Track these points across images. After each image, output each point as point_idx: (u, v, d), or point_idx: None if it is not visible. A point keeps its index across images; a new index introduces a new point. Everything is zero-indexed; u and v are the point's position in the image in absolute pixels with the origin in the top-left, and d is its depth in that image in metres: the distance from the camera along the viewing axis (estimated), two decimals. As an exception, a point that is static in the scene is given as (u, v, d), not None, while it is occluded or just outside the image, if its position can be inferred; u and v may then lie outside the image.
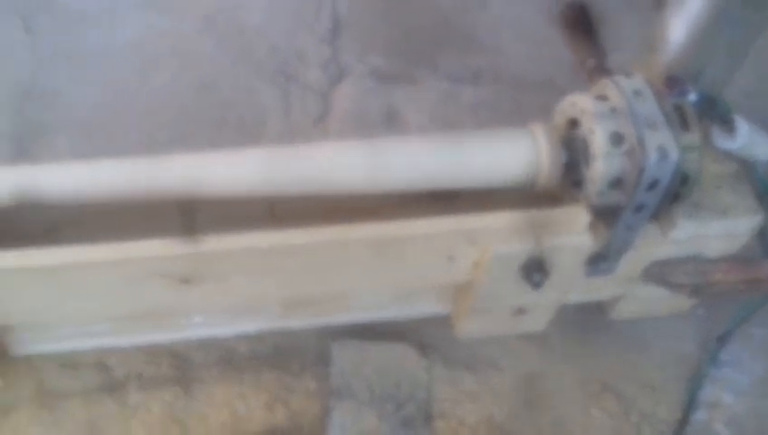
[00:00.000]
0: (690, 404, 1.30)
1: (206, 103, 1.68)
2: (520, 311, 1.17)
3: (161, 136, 1.61)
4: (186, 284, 0.99)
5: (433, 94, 1.75)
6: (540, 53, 1.88)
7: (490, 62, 1.86)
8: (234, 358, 1.29)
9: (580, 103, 1.06)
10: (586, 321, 1.38)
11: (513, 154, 1.04)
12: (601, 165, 1.00)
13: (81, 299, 0.99)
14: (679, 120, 1.01)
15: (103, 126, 1.61)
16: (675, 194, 1.04)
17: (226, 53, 1.77)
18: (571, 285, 1.14)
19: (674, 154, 0.96)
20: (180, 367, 1.27)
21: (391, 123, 1.70)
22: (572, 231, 1.03)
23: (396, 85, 1.77)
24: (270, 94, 1.72)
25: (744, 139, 1.10)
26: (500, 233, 1.02)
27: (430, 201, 1.17)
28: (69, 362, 1.26)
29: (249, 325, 1.22)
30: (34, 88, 1.67)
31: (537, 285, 1.06)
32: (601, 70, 1.21)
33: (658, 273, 1.18)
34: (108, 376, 1.26)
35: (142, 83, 1.68)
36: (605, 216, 1.07)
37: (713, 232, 1.11)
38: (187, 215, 1.18)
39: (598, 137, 1.00)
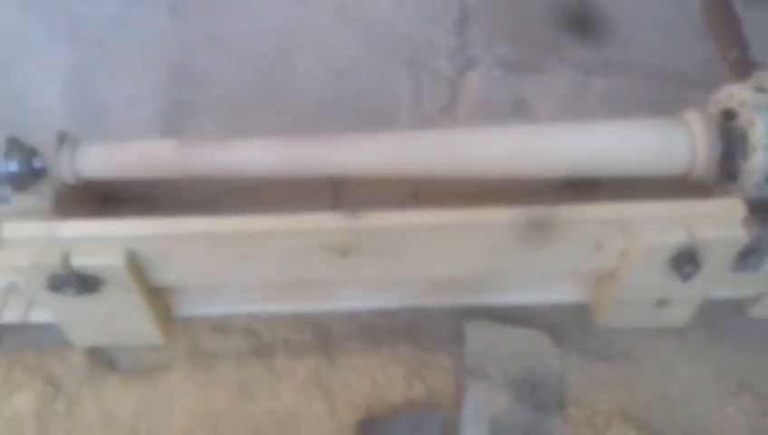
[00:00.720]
0: (834, 409, 1.25)
1: (342, 89, 1.73)
2: (662, 303, 1.17)
3: (301, 118, 1.68)
4: (344, 256, 1.04)
5: (562, 84, 1.75)
6: (672, 44, 1.84)
7: (620, 51, 1.84)
8: (372, 331, 1.34)
9: (738, 95, 1.04)
10: (724, 318, 1.35)
11: (669, 144, 1.04)
12: (761, 157, 0.99)
13: (247, 265, 1.06)
14: None
15: (246, 107, 1.70)
16: (838, 189, 1.01)
17: (359, 41, 1.83)
18: (718, 279, 1.12)
19: (842, 148, 0.94)
20: (322, 336, 1.33)
21: (519, 112, 1.71)
22: (727, 224, 1.02)
23: (523, 74, 1.77)
24: (401, 82, 1.76)
25: None
26: (652, 222, 1.01)
27: (565, 189, 1.19)
28: (221, 325, 1.34)
29: (388, 301, 1.26)
30: (182, 70, 1.78)
31: (687, 278, 1.05)
32: (745, 62, 1.19)
33: (811, 271, 1.15)
34: (256, 341, 1.33)
35: (283, 68, 1.76)
36: (758, 209, 1.05)
37: None
38: (337, 194, 1.24)
39: (758, 128, 0.99)
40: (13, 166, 0.99)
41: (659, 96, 1.71)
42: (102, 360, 1.31)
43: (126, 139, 1.59)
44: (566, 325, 1.33)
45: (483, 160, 1.09)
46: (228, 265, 1.05)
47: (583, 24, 1.90)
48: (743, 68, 1.18)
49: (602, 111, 1.68)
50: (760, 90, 1.03)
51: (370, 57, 1.80)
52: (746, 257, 1.12)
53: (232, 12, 1.88)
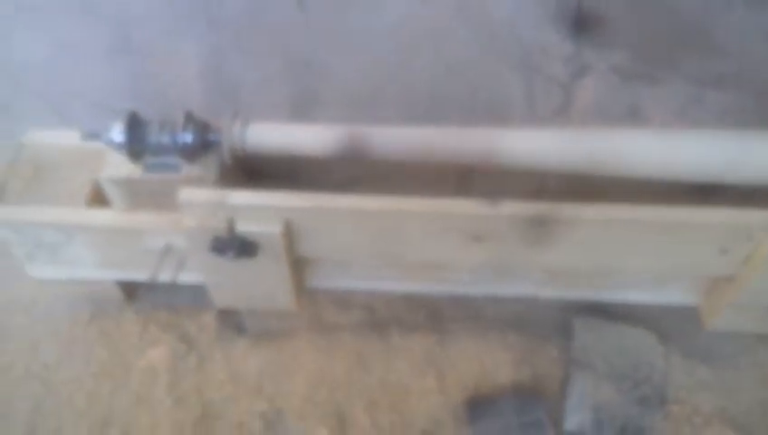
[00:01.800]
0: None
1: (457, 86, 1.79)
2: (777, 311, 1.19)
3: (417, 112, 1.75)
4: (476, 241, 1.11)
5: (676, 95, 1.76)
6: (786, 62, 1.83)
7: (733, 66, 1.84)
8: (481, 318, 1.41)
9: None
10: (831, 333, 1.36)
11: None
12: None
13: (386, 243, 1.14)
14: None
15: (368, 98, 1.78)
16: None
17: (476, 41, 1.88)
18: (839, 292, 1.15)
19: None
20: (434, 318, 1.41)
21: (633, 120, 1.73)
22: None
23: (638, 84, 1.80)
24: (515, 83, 1.81)
25: None
26: (779, 230, 1.05)
27: (688, 193, 1.22)
28: (341, 300, 1.44)
29: (505, 289, 1.32)
30: (308, 61, 1.87)
31: (809, 287, 1.08)
32: None
33: None
34: (373, 317, 1.42)
35: (403, 63, 1.83)
36: None
37: None
38: (463, 182, 1.31)
39: None
40: (188, 137, 1.10)
41: (772, 111, 1.71)
42: (231, 323, 1.42)
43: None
44: (672, 327, 1.37)
45: (624, 161, 1.13)
46: (368, 242, 1.13)
47: (697, 36, 1.91)
48: None
49: (715, 123, 1.70)
50: None
51: (486, 57, 1.86)
52: None
53: (356, 7, 1.95)
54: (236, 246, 1.08)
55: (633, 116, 1.71)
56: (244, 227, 1.07)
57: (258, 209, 1.06)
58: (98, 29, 1.92)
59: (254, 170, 1.27)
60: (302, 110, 1.78)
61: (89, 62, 1.86)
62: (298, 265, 1.23)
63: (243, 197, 1.06)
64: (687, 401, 1.29)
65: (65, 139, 1.27)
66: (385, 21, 1.94)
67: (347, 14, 1.96)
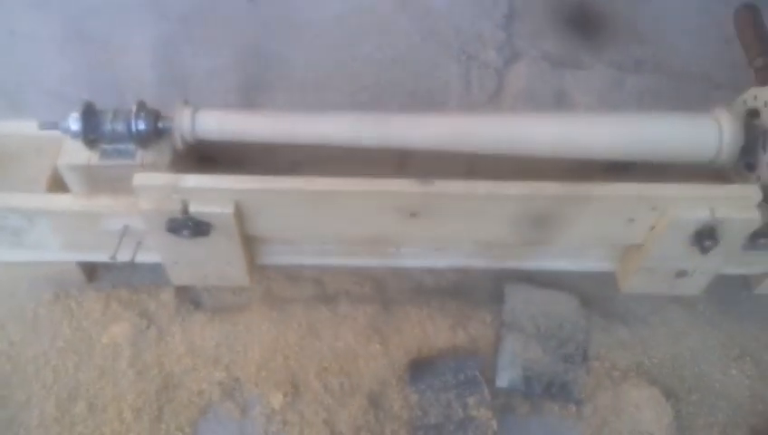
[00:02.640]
0: (824, 376, 1.38)
1: (399, 74, 1.87)
2: (681, 274, 1.29)
3: (362, 98, 1.81)
4: (412, 217, 1.18)
5: (599, 79, 1.87)
6: (699, 49, 1.95)
7: (652, 52, 1.95)
8: (421, 288, 1.49)
9: (762, 96, 1.17)
10: (731, 292, 1.48)
11: (700, 134, 1.16)
12: (778, 152, 1.11)
13: (330, 221, 1.20)
14: None
15: (315, 86, 1.84)
16: (842, 183, 1.13)
17: (417, 31, 1.95)
18: (732, 255, 1.25)
19: None
20: (379, 289, 1.48)
21: (560, 103, 1.83)
22: (744, 207, 1.14)
23: (565, 69, 1.90)
24: (452, 70, 1.89)
25: None
26: (680, 201, 1.14)
27: (603, 171, 1.32)
28: (293, 275, 1.50)
29: (441, 261, 1.40)
30: (258, 50, 1.91)
31: (706, 251, 1.18)
32: (769, 69, 1.30)
33: (813, 253, 1.28)
34: (322, 290, 1.48)
35: (348, 53, 1.89)
36: (772, 197, 1.18)
37: None
38: (401, 164, 1.38)
39: (777, 127, 1.11)
40: (141, 125, 1.14)
41: (685, 94, 1.83)
42: (189, 299, 1.47)
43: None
44: (593, 290, 1.47)
45: (536, 143, 1.22)
46: (313, 220, 1.20)
47: (620, 24, 2.01)
48: (766, 74, 1.30)
49: (634, 106, 1.81)
50: (781, 93, 1.15)
51: (426, 46, 1.93)
52: (758, 238, 1.24)
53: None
54: (190, 226, 1.13)
55: (560, 99, 1.81)
56: (197, 209, 1.12)
57: (210, 191, 1.11)
58: (51, 20, 1.93)
59: (206, 156, 1.31)
60: (251, 97, 1.83)
61: (43, 52, 1.87)
62: (249, 243, 1.28)
63: (195, 180, 1.11)
64: (607, 358, 1.40)
65: (24, 128, 1.29)
66: (331, 11, 2.00)
67: (295, 5, 2.01)
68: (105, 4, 1.96)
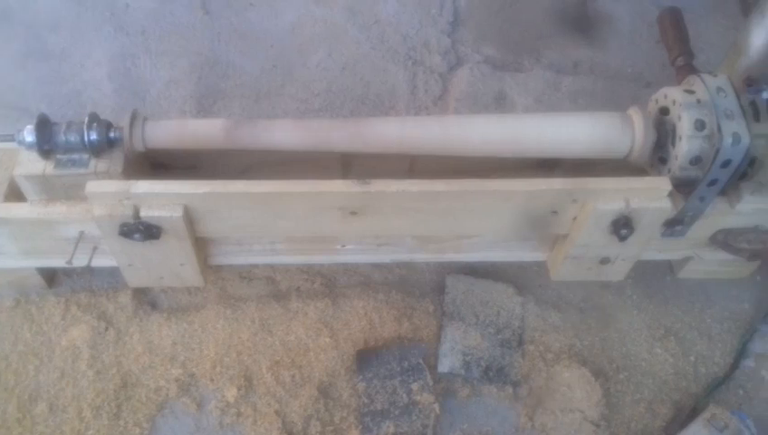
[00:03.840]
0: (741, 352, 1.48)
1: (349, 80, 1.93)
2: (605, 261, 1.38)
3: (314, 104, 1.87)
4: (353, 215, 1.25)
5: (537, 81, 1.95)
6: (632, 50, 2.05)
7: (588, 55, 2.04)
8: (369, 282, 1.55)
9: (671, 95, 1.25)
10: (656, 277, 1.57)
11: (615, 132, 1.24)
12: (685, 145, 1.19)
13: (276, 221, 1.26)
14: (753, 113, 1.19)
15: (268, 93, 1.89)
16: (743, 173, 1.22)
17: (366, 39, 2.02)
18: (650, 242, 1.34)
19: (746, 140, 1.15)
20: (329, 285, 1.55)
21: (500, 105, 1.91)
22: (657, 197, 1.23)
23: (505, 72, 1.98)
24: (400, 75, 1.96)
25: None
26: (598, 194, 1.22)
27: (535, 167, 1.40)
28: (246, 274, 1.55)
29: (385, 256, 1.47)
30: (213, 60, 1.96)
31: (623, 239, 1.26)
32: (689, 68, 1.39)
33: (723, 239, 1.37)
34: (274, 287, 1.54)
35: (300, 61, 1.95)
36: (683, 187, 1.26)
37: (774, 207, 1.28)
38: (345, 166, 1.44)
39: (684, 122, 1.19)
40: (93, 135, 1.19)
41: (617, 94, 1.92)
42: (146, 301, 1.52)
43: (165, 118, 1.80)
44: (528, 280, 1.55)
45: (465, 142, 1.29)
46: (260, 221, 1.25)
47: (557, 28, 2.10)
48: (687, 73, 1.39)
49: (570, 107, 1.89)
50: (689, 92, 1.24)
51: (375, 53, 2.00)
52: (673, 226, 1.33)
53: (256, 9, 2.06)
54: (142, 230, 1.18)
55: (500, 101, 1.89)
56: (148, 213, 1.18)
57: (159, 196, 1.17)
58: (12, 35, 1.96)
59: (160, 162, 1.36)
60: (207, 106, 1.88)
61: (3, 67, 1.90)
62: (201, 245, 1.34)
63: (144, 186, 1.16)
64: (541, 342, 1.48)
65: (-19, 140, 1.33)
66: (283, 21, 2.06)
67: (248, 16, 2.07)
68: (64, 18, 2.00)
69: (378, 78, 1.94)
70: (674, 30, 1.48)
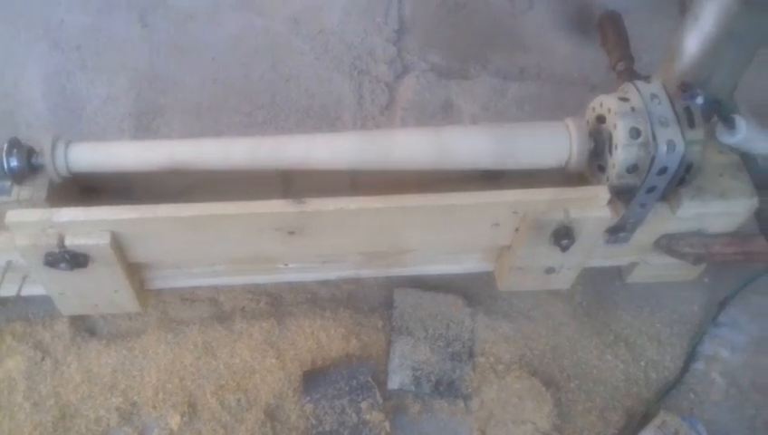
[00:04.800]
0: (691, 356, 1.48)
1: (293, 92, 1.90)
2: (550, 271, 1.38)
3: (258, 118, 1.84)
4: (291, 235, 1.22)
5: (484, 88, 1.95)
6: (579, 54, 2.05)
7: (534, 60, 2.05)
8: (316, 299, 1.53)
9: (606, 103, 1.25)
10: (605, 283, 1.58)
11: (551, 143, 1.24)
12: (621, 153, 1.19)
13: (210, 244, 1.23)
14: (687, 118, 1.19)
15: (210, 108, 1.86)
16: (681, 179, 1.23)
17: (310, 49, 2.00)
18: (593, 250, 1.34)
19: (680, 147, 1.15)
20: (274, 304, 1.52)
21: (447, 113, 1.90)
22: (595, 206, 1.23)
23: (452, 80, 1.97)
24: (345, 85, 1.94)
25: (743, 134, 1.27)
26: (537, 205, 1.22)
27: (480, 178, 1.39)
28: (188, 296, 1.51)
29: (330, 274, 1.45)
30: (151, 74, 1.92)
31: (564, 249, 1.26)
32: (629, 72, 1.40)
33: (667, 244, 1.37)
34: (218, 309, 1.51)
35: (242, 73, 1.92)
36: (623, 195, 1.26)
37: (713, 211, 1.29)
38: (287, 183, 1.42)
39: (619, 131, 1.19)
40: (13, 162, 1.14)
41: (564, 99, 1.93)
42: (84, 327, 1.47)
43: (102, 137, 1.76)
44: (477, 291, 1.54)
45: (407, 157, 1.27)
46: (194, 245, 1.22)
47: (503, 35, 2.10)
48: (627, 78, 1.39)
49: (516, 113, 1.89)
50: (623, 99, 1.24)
51: (319, 63, 1.98)
52: (615, 233, 1.33)
53: (196, 21, 2.02)
54: (68, 259, 1.14)
55: (447, 109, 1.88)
56: (74, 241, 1.14)
57: (84, 224, 1.13)
58: (-62, 55, 1.89)
59: (90, 187, 1.32)
60: (146, 122, 1.83)
61: (-70, 88, 1.83)
62: (135, 270, 1.30)
63: (68, 214, 1.12)
64: (491, 353, 1.47)
65: None
66: (224, 34, 2.02)
67: (188, 29, 2.03)
68: (-6, 36, 1.94)
69: (323, 89, 1.92)
70: (614, 34, 1.49)
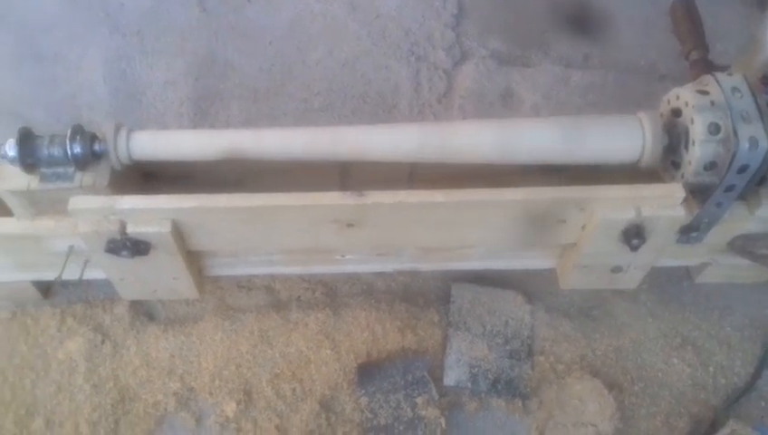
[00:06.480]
0: (763, 361, 1.41)
1: (350, 78, 1.87)
2: (617, 269, 1.32)
3: (314, 104, 1.82)
4: (350, 227, 1.20)
5: (546, 76, 1.88)
6: (645, 41, 1.96)
7: (599, 47, 1.97)
8: (372, 291, 1.51)
9: (683, 96, 1.18)
10: (672, 283, 1.51)
11: (623, 137, 1.18)
12: (699, 150, 1.12)
13: (268, 235, 1.21)
14: (772, 114, 1.12)
15: (267, 93, 1.84)
16: (762, 177, 1.15)
17: (367, 34, 1.96)
18: (664, 250, 1.27)
19: (764, 143, 1.08)
20: (330, 294, 1.50)
21: (507, 102, 1.85)
22: (669, 205, 1.16)
23: (512, 67, 1.91)
24: (402, 72, 1.90)
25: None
26: (606, 202, 1.16)
27: (539, 172, 1.33)
28: (244, 284, 1.51)
29: (387, 266, 1.42)
30: (211, 60, 1.91)
31: (634, 249, 1.20)
32: (704, 62, 1.32)
33: (742, 245, 1.30)
34: (274, 297, 1.50)
35: (299, 59, 1.89)
36: (698, 193, 1.19)
37: (795, 212, 1.21)
38: (344, 174, 1.39)
39: (697, 126, 1.12)
40: (77, 148, 1.14)
41: (631, 88, 1.84)
42: (143, 312, 1.49)
43: (161, 121, 1.76)
44: (537, 288, 1.49)
45: (471, 150, 1.23)
46: (253, 234, 1.21)
47: (567, 22, 2.02)
48: (701, 68, 1.32)
49: (579, 102, 1.82)
50: (702, 92, 1.17)
51: (376, 49, 1.94)
52: (689, 232, 1.27)
53: (254, 6, 2.00)
54: (129, 246, 1.14)
55: (507, 98, 1.83)
56: (135, 229, 1.13)
57: (145, 212, 1.12)
58: (5, 39, 1.92)
59: (151, 173, 1.32)
60: (205, 107, 1.83)
61: (-4, 71, 1.86)
62: (194, 258, 1.30)
63: (130, 201, 1.12)
64: (551, 352, 1.42)
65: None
66: (282, 18, 2.00)
67: (246, 13, 2.01)
68: (58, 20, 1.95)
69: (380, 75, 1.88)
70: (687, 22, 1.40)
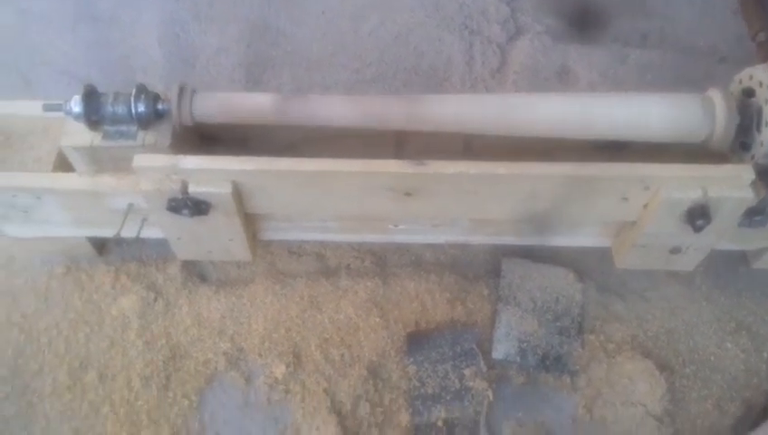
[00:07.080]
0: (818, 350, 1.37)
1: (402, 50, 1.84)
2: (675, 250, 1.28)
3: (366, 74, 1.79)
4: (407, 196, 1.18)
5: (602, 54, 1.82)
6: (705, 21, 1.89)
7: (658, 26, 1.90)
8: (421, 262, 1.49)
9: (757, 75, 1.13)
10: (729, 267, 1.46)
11: (695, 115, 1.14)
12: (772, 131, 1.08)
13: (326, 200, 1.20)
14: None
15: (319, 62, 1.82)
16: (836, 162, 1.10)
17: (420, 6, 1.92)
18: (727, 233, 1.23)
19: (842, 127, 1.03)
20: (379, 264, 1.49)
21: (562, 79, 1.80)
22: (737, 186, 1.12)
23: (569, 44, 1.85)
24: (455, 46, 1.86)
25: None
26: (672, 181, 1.12)
27: (597, 149, 1.30)
28: (295, 250, 1.51)
29: (439, 237, 1.40)
30: (263, 27, 1.90)
31: (698, 230, 1.16)
32: (771, 44, 1.26)
33: (807, 230, 1.25)
34: (324, 264, 1.49)
35: (352, 29, 1.87)
36: (766, 176, 1.15)
37: None
38: (399, 143, 1.37)
39: (772, 106, 1.08)
40: (140, 107, 1.14)
41: (690, 69, 1.78)
42: (195, 272, 1.49)
43: (214, 86, 1.75)
44: (589, 266, 1.46)
45: (529, 123, 1.20)
46: (310, 198, 1.20)
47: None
48: (768, 49, 1.26)
49: (637, 82, 1.77)
50: (777, 72, 1.12)
51: (429, 21, 1.90)
52: (753, 216, 1.22)
53: (308, -25, 1.97)
54: (190, 205, 1.14)
55: (563, 75, 1.78)
56: (197, 189, 1.13)
57: (208, 172, 1.12)
58: (62, 0, 1.92)
59: (209, 135, 1.31)
60: (257, 74, 1.82)
61: (54, 31, 1.87)
62: (250, 220, 1.29)
63: (193, 161, 1.11)
64: (602, 331, 1.39)
65: (32, 108, 1.30)
66: (335, -12, 1.96)
67: (299, -18, 1.97)
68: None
69: (432, 48, 1.85)
70: (754, 3, 1.35)
